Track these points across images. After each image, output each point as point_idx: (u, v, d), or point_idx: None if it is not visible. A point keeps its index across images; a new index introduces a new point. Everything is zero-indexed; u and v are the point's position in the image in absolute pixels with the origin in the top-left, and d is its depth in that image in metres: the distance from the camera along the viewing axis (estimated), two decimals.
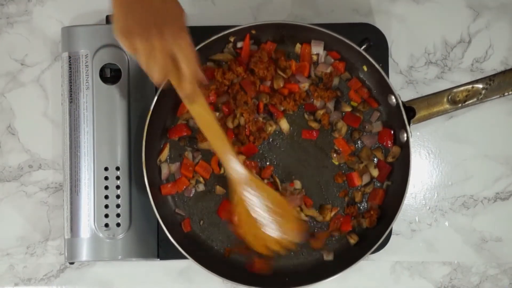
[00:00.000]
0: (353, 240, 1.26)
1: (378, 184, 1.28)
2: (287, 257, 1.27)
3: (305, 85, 1.27)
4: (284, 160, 1.28)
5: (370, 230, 1.26)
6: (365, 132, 1.28)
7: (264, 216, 1.18)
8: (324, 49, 1.28)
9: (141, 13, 0.96)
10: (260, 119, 1.26)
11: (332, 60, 1.28)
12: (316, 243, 1.27)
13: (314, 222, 1.27)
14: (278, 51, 1.28)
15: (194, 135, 1.27)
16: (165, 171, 1.27)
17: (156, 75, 1.00)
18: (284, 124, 1.27)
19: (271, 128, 1.26)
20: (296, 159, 1.28)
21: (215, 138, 1.15)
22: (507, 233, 1.34)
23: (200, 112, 1.12)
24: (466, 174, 1.34)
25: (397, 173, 1.27)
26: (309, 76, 1.28)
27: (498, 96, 1.24)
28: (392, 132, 1.27)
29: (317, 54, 1.28)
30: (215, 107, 1.26)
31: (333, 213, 1.26)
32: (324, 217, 1.26)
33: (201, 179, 1.27)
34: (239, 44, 1.28)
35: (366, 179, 1.27)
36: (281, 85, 1.26)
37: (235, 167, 1.16)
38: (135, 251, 1.26)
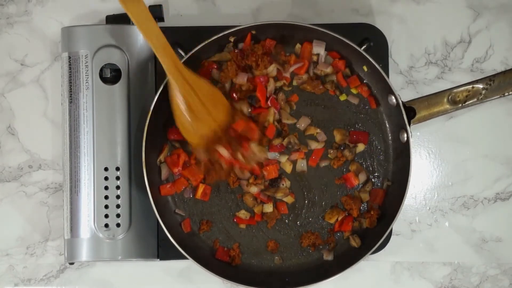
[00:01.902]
0: (355, 243, 1.26)
1: (378, 184, 1.28)
2: (287, 257, 1.28)
3: (301, 78, 1.28)
4: None
5: (370, 230, 1.26)
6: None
7: (198, 103, 1.20)
8: (325, 49, 1.28)
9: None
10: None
11: (332, 60, 1.28)
12: (327, 254, 1.27)
13: (321, 224, 1.28)
14: (278, 47, 1.28)
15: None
16: (165, 171, 1.27)
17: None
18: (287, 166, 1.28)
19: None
20: None
21: (152, 35, 1.15)
22: (507, 233, 1.34)
23: (135, 9, 1.13)
24: (466, 174, 1.34)
25: (397, 174, 1.27)
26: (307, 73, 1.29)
27: (498, 96, 1.24)
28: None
29: (318, 55, 1.28)
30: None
31: (340, 217, 1.26)
32: (329, 219, 1.27)
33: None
34: (240, 46, 1.28)
35: (362, 177, 1.28)
36: (275, 73, 1.27)
37: (170, 68, 1.17)
38: (135, 251, 1.26)
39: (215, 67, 1.28)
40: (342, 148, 1.27)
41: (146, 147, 1.21)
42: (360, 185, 1.28)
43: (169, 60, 1.16)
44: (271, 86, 1.27)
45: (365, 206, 1.28)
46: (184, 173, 1.27)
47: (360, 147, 1.28)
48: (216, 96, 1.23)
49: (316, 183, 1.28)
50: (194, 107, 1.20)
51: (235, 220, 1.28)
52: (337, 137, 1.28)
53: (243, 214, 1.27)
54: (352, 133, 1.28)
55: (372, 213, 1.25)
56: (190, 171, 1.27)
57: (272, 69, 1.27)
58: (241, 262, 1.28)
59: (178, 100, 1.19)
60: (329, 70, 1.27)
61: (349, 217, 1.26)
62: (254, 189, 1.26)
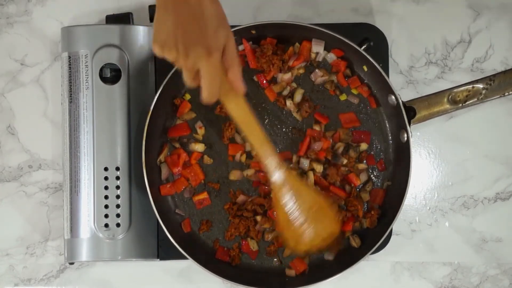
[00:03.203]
0: (355, 243, 1.26)
1: (379, 184, 1.28)
2: (287, 258, 1.27)
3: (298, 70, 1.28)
4: None
5: (370, 230, 1.26)
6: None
7: (301, 215, 1.16)
8: (324, 49, 1.28)
9: (176, 29, 0.96)
10: None
11: (334, 58, 1.28)
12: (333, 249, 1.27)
13: None
14: (279, 47, 1.28)
15: (192, 135, 1.28)
16: (165, 171, 1.27)
17: (187, 82, 1.01)
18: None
19: None
20: None
21: (255, 138, 1.13)
22: (507, 233, 1.33)
23: (238, 112, 1.11)
24: (466, 174, 1.34)
25: (397, 174, 1.27)
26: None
27: (498, 96, 1.24)
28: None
29: (317, 53, 1.28)
30: None
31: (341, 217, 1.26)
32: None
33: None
34: (241, 47, 1.28)
35: (363, 177, 1.27)
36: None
37: (273, 170, 1.15)
38: (135, 251, 1.26)
39: None
40: (346, 150, 1.27)
41: (146, 147, 1.21)
42: (361, 185, 1.28)
43: (273, 161, 1.14)
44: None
45: (365, 206, 1.28)
46: (184, 173, 1.27)
47: (363, 146, 1.28)
48: (324, 208, 1.18)
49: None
50: (293, 218, 1.16)
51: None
52: (341, 136, 1.28)
53: (251, 243, 1.27)
54: (354, 133, 1.28)
55: (372, 213, 1.25)
56: (190, 171, 1.27)
57: (287, 75, 1.28)
58: (241, 262, 1.28)
59: (283, 207, 1.15)
60: (326, 77, 1.28)
61: (350, 217, 1.26)
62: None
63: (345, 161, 1.26)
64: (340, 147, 1.26)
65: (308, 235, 1.17)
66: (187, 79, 1.00)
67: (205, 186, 1.28)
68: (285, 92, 1.28)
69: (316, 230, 1.17)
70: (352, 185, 1.27)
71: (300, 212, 1.16)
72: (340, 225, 1.21)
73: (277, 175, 1.14)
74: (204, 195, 1.27)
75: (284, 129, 1.28)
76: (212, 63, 0.97)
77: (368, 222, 1.26)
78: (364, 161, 1.28)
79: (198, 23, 0.95)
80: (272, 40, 1.27)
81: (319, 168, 1.26)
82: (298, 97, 1.28)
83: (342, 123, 1.28)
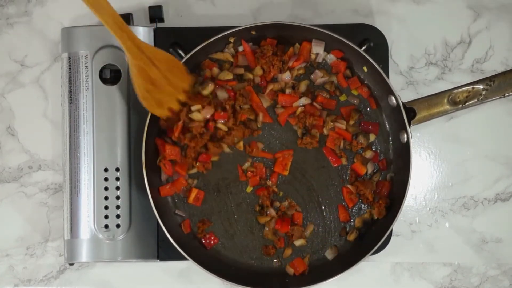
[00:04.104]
0: (351, 237, 1.26)
1: (380, 179, 1.28)
2: (287, 258, 1.28)
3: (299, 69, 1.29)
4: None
5: (370, 230, 1.26)
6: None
7: (158, 74, 1.19)
8: (324, 50, 1.28)
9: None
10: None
11: (334, 58, 1.28)
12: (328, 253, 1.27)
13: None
14: (279, 48, 1.28)
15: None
16: (164, 171, 1.27)
17: None
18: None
19: None
20: (295, 162, 1.28)
21: (105, 14, 1.12)
22: (507, 234, 1.34)
23: None
24: (466, 175, 1.34)
25: (397, 174, 1.27)
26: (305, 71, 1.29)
27: (498, 96, 1.24)
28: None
29: (317, 54, 1.28)
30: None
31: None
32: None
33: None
34: (241, 48, 1.28)
35: (370, 167, 1.28)
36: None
37: (127, 43, 1.14)
38: (135, 252, 1.26)
39: (215, 66, 1.28)
40: (355, 136, 1.27)
41: (146, 148, 1.21)
42: (369, 176, 1.28)
43: (125, 36, 1.13)
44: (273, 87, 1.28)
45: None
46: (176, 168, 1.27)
47: (371, 137, 1.28)
48: (173, 64, 1.21)
49: (320, 184, 1.28)
50: (156, 80, 1.18)
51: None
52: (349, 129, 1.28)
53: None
54: (363, 123, 1.28)
55: (380, 202, 1.25)
56: (180, 165, 1.27)
57: (287, 76, 1.28)
58: (241, 263, 1.28)
59: (139, 75, 1.17)
60: (326, 78, 1.28)
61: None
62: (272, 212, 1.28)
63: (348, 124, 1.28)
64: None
65: (163, 88, 1.20)
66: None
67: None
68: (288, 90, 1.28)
69: (171, 81, 1.20)
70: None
71: (154, 73, 1.18)
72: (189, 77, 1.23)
73: (129, 46, 1.15)
74: (195, 192, 1.27)
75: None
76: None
77: (377, 212, 1.25)
78: (373, 148, 1.28)
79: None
80: (272, 41, 1.27)
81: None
82: (303, 87, 1.28)
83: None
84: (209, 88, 1.25)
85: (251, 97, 1.27)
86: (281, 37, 1.28)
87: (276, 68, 1.26)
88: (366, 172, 1.28)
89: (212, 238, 1.28)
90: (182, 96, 1.22)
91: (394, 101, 1.23)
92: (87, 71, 1.25)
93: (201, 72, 1.27)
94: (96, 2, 1.11)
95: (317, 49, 1.28)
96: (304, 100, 1.27)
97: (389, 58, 1.31)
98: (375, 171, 1.28)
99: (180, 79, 1.22)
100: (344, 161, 1.28)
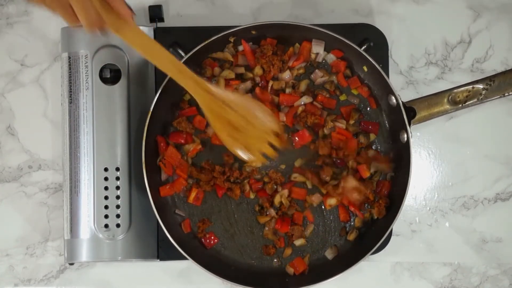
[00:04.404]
0: (351, 237, 1.26)
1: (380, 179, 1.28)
2: (287, 258, 1.27)
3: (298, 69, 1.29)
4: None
5: (370, 230, 1.26)
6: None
7: (239, 118, 1.15)
8: (324, 49, 1.28)
9: None
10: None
11: (334, 58, 1.28)
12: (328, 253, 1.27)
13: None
14: (279, 47, 1.28)
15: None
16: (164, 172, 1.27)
17: (67, 21, 0.97)
18: None
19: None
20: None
21: (165, 62, 1.09)
22: (507, 233, 1.34)
23: (137, 40, 1.06)
24: (466, 174, 1.34)
25: (397, 174, 1.27)
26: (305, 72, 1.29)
27: (498, 96, 1.24)
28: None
29: (317, 54, 1.28)
30: None
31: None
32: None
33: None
34: (241, 48, 1.28)
35: (372, 168, 1.28)
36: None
37: (194, 89, 1.12)
38: (135, 252, 1.26)
39: (216, 65, 1.28)
40: (355, 136, 1.27)
41: (146, 148, 1.21)
42: (369, 176, 1.28)
43: (191, 81, 1.11)
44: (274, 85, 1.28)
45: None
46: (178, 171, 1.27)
47: (372, 136, 1.28)
48: (254, 105, 1.17)
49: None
50: (237, 123, 1.14)
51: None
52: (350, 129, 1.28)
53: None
54: (363, 123, 1.28)
55: (380, 202, 1.25)
56: (181, 168, 1.27)
57: (287, 74, 1.28)
58: (241, 262, 1.28)
59: (216, 119, 1.13)
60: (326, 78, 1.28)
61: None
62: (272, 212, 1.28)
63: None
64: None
65: (249, 132, 1.15)
66: (64, 18, 0.96)
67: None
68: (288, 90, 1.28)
69: (256, 125, 1.16)
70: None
71: (234, 115, 1.14)
72: (278, 120, 1.20)
73: (198, 92, 1.12)
74: (195, 192, 1.27)
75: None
76: None
77: (377, 212, 1.25)
78: (373, 147, 1.28)
79: None
80: (272, 41, 1.27)
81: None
82: (303, 86, 1.28)
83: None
84: (221, 83, 1.26)
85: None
86: (281, 37, 1.28)
87: (276, 67, 1.26)
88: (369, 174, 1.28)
89: (212, 237, 1.28)
90: (272, 138, 1.17)
91: (394, 100, 1.23)
92: (87, 70, 1.25)
93: (202, 71, 1.27)
94: (149, 48, 1.06)
95: (317, 49, 1.28)
96: (305, 99, 1.27)
97: (389, 58, 1.31)
98: (375, 171, 1.28)
99: (267, 120, 1.17)
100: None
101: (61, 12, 0.96)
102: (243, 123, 1.15)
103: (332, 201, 1.26)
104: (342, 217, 1.28)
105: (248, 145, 1.16)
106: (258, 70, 1.27)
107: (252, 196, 1.28)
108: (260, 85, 1.28)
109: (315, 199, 1.27)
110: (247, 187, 1.26)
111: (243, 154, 1.17)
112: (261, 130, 1.16)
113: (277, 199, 1.26)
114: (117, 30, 1.02)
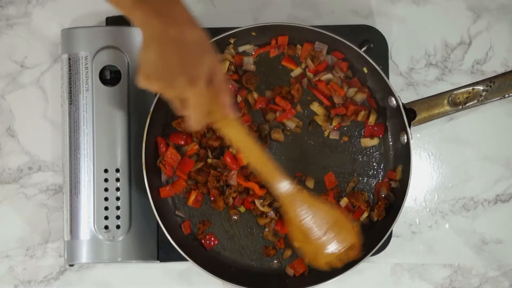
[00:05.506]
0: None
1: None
2: (287, 259, 1.27)
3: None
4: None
5: (370, 231, 1.26)
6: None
7: (318, 229, 1.15)
8: (326, 51, 1.28)
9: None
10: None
11: (335, 60, 1.28)
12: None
13: None
14: (290, 47, 1.28)
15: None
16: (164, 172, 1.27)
17: (176, 111, 1.00)
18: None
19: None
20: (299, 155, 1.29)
21: (257, 160, 1.12)
22: (507, 235, 1.33)
23: (235, 136, 1.09)
24: (466, 176, 1.34)
25: (397, 175, 1.27)
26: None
27: (498, 98, 1.24)
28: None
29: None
30: None
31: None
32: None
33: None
34: (241, 49, 1.28)
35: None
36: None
37: (283, 188, 1.13)
38: (135, 253, 1.25)
39: None
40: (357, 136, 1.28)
41: (146, 149, 1.21)
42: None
43: (285, 195, 1.13)
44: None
45: (372, 198, 1.28)
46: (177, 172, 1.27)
47: (376, 140, 1.29)
48: (340, 220, 1.17)
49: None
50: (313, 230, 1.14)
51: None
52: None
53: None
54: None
55: (379, 203, 1.25)
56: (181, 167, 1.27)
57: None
58: (241, 263, 1.28)
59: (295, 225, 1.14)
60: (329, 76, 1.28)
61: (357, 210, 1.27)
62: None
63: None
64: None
65: (326, 247, 1.15)
66: (176, 109, 0.99)
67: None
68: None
69: (334, 242, 1.15)
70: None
71: (316, 226, 1.14)
72: (358, 236, 1.18)
73: (287, 192, 1.13)
74: (194, 195, 1.27)
75: None
76: (196, 92, 0.95)
77: (376, 214, 1.25)
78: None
79: (180, 53, 0.93)
80: (283, 38, 1.27)
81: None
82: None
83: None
84: (225, 65, 1.26)
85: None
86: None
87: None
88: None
89: (212, 239, 1.28)
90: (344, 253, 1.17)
91: (394, 102, 1.23)
92: (87, 72, 1.25)
93: None
94: (251, 152, 1.11)
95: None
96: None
97: (389, 59, 1.31)
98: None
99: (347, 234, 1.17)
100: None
101: (174, 101, 0.99)
102: (320, 233, 1.15)
103: None
104: None
105: (316, 255, 1.16)
106: None
107: (242, 210, 1.28)
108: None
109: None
110: (231, 200, 1.26)
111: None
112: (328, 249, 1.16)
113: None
114: (220, 123, 1.07)
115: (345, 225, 1.17)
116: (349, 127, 1.28)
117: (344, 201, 1.27)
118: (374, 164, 1.28)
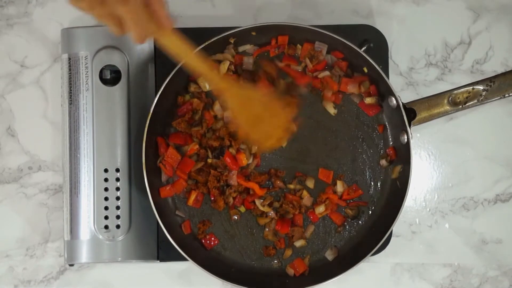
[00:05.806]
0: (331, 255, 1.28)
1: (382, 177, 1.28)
2: (287, 259, 1.28)
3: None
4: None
5: (371, 231, 1.26)
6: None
7: (257, 115, 1.16)
8: (326, 50, 1.28)
9: None
10: None
11: (335, 59, 1.28)
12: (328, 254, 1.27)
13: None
14: (290, 46, 1.28)
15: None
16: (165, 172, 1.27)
17: (114, 31, 0.98)
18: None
19: None
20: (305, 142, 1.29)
21: (194, 60, 1.10)
22: (507, 235, 1.34)
23: (173, 46, 1.06)
24: (466, 175, 1.34)
25: (397, 175, 1.27)
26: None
27: (498, 97, 1.24)
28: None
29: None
30: None
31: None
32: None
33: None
34: (241, 49, 1.28)
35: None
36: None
37: (220, 85, 1.13)
38: (135, 253, 1.26)
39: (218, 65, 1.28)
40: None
41: (146, 149, 1.21)
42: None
43: (223, 79, 1.14)
44: None
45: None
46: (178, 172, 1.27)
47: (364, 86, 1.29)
48: (272, 102, 1.18)
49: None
50: (260, 114, 1.16)
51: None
52: None
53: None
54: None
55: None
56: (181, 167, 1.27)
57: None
58: (241, 263, 1.28)
59: (242, 110, 1.15)
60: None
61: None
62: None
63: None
64: None
65: (268, 128, 1.17)
66: (112, 28, 0.97)
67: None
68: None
69: (273, 122, 1.17)
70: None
71: (254, 112, 1.15)
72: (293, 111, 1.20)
73: (228, 87, 1.13)
74: (194, 195, 1.27)
75: None
76: (130, 7, 0.94)
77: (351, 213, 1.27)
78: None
79: None
80: (284, 38, 1.28)
81: None
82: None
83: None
84: (225, 65, 1.26)
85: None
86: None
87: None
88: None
89: (213, 239, 1.28)
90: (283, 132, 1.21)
91: (394, 101, 1.23)
92: (87, 71, 1.25)
93: None
94: (181, 50, 1.07)
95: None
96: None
97: (389, 59, 1.31)
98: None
99: (283, 114, 1.19)
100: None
101: (109, 22, 0.97)
102: (266, 115, 1.16)
103: (320, 209, 1.26)
104: (337, 222, 1.28)
105: (266, 136, 1.18)
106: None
107: (242, 210, 1.28)
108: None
109: (307, 202, 1.27)
110: (231, 200, 1.26)
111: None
112: (279, 123, 1.18)
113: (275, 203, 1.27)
114: (158, 38, 1.04)
115: (278, 105, 1.17)
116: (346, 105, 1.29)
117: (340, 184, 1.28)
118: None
